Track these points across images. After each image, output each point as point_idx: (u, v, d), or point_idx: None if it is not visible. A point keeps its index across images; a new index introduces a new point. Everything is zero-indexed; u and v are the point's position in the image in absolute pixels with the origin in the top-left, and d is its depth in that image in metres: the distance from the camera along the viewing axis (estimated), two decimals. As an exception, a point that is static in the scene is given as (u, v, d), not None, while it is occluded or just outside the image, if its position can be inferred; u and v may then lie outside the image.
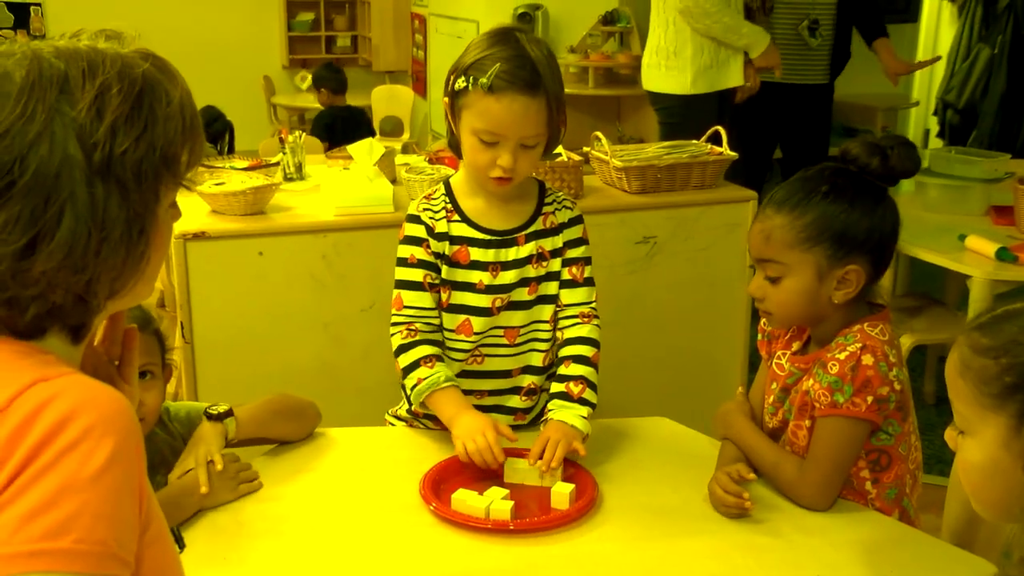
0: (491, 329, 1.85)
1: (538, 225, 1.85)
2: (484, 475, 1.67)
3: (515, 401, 1.90)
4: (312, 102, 6.73)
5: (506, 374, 1.89)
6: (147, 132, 0.92)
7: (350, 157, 2.97)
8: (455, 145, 1.81)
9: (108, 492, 0.84)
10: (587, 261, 1.88)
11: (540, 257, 1.85)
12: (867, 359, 1.54)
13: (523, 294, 1.84)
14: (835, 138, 4.30)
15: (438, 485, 1.64)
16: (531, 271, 1.84)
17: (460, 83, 1.72)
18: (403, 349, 1.80)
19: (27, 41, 0.94)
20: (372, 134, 6.00)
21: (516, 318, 1.85)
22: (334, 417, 1.92)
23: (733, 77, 3.66)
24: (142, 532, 0.89)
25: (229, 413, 1.69)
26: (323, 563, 1.48)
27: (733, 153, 2.93)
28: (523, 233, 1.84)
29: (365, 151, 2.80)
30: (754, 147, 3.90)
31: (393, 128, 6.86)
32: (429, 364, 1.78)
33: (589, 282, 1.88)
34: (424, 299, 1.81)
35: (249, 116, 6.97)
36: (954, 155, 3.58)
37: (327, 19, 8.45)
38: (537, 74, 1.69)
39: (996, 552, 1.32)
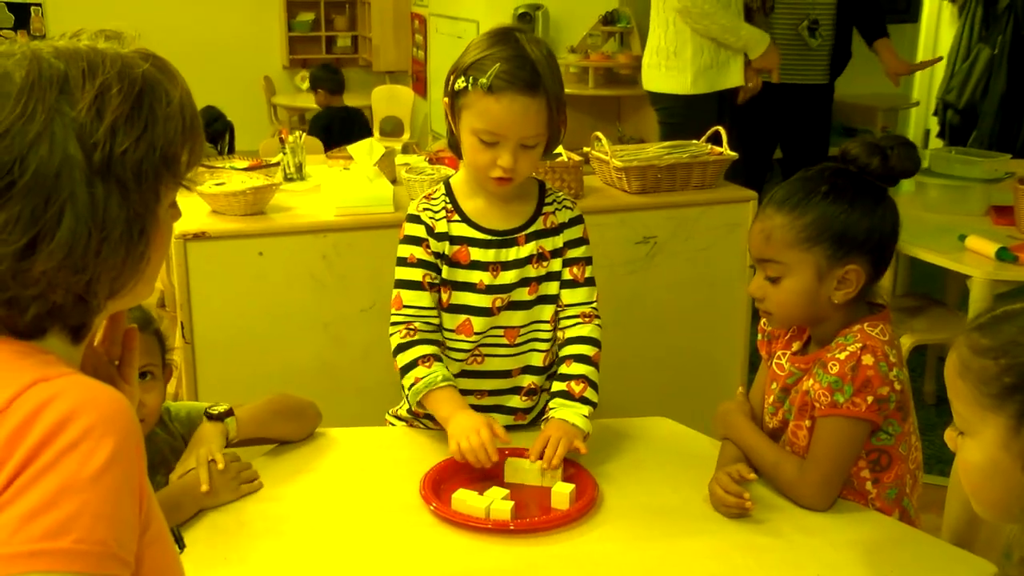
0: (491, 329, 1.85)
1: (538, 225, 1.85)
2: (484, 475, 1.66)
3: (515, 401, 1.90)
4: (312, 102, 6.73)
5: (506, 374, 1.89)
6: (147, 132, 0.93)
7: (350, 157, 2.97)
8: (455, 145, 1.81)
9: (108, 492, 0.84)
10: (588, 261, 1.88)
11: (540, 257, 1.85)
12: (867, 359, 1.54)
13: (523, 294, 1.84)
14: (835, 138, 4.30)
15: (438, 485, 1.64)
16: (531, 271, 1.84)
17: (460, 83, 1.72)
18: (401, 348, 1.81)
19: (27, 41, 0.94)
20: (370, 135, 5.99)
21: (516, 318, 1.85)
22: (334, 417, 1.92)
23: (733, 77, 3.66)
24: (142, 532, 0.89)
25: (229, 413, 1.69)
26: (323, 563, 1.48)
27: (733, 153, 2.93)
28: (523, 233, 1.84)
29: (365, 151, 2.80)
30: (754, 147, 3.90)
31: (393, 128, 6.86)
32: (427, 364, 1.78)
33: (590, 282, 1.88)
34: (423, 298, 1.81)
35: (249, 116, 6.97)
36: (954, 155, 3.58)
37: (327, 19, 8.44)
38: (537, 74, 1.69)
39: (996, 552, 1.32)
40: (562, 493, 1.60)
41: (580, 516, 1.57)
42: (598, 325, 1.87)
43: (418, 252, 1.82)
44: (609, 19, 5.36)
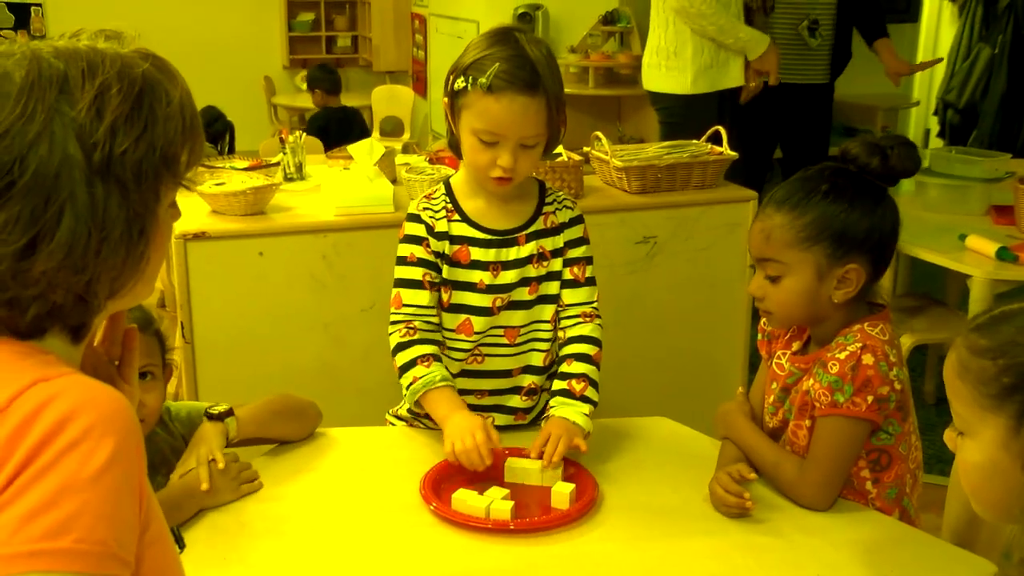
0: (491, 329, 1.85)
1: (539, 225, 1.85)
2: (484, 475, 1.66)
3: (515, 401, 1.90)
4: (312, 102, 6.73)
5: (506, 374, 1.89)
6: (147, 132, 0.93)
7: (350, 157, 2.97)
8: (455, 145, 1.81)
9: (108, 492, 0.84)
10: (588, 261, 1.88)
11: (541, 257, 1.85)
12: (867, 359, 1.54)
13: (524, 294, 1.84)
14: (835, 138, 4.29)
15: (438, 485, 1.64)
16: (532, 271, 1.84)
17: (459, 83, 1.72)
18: (401, 347, 1.80)
19: (27, 41, 0.94)
20: (367, 135, 5.99)
21: (516, 318, 1.85)
22: (334, 417, 1.92)
23: (733, 77, 3.66)
24: (142, 532, 0.89)
25: (230, 413, 1.69)
26: (323, 563, 1.48)
27: (733, 153, 2.93)
28: (524, 233, 1.84)
29: (365, 151, 2.80)
30: (754, 147, 3.89)
31: (393, 128, 6.86)
32: (426, 363, 1.78)
33: (591, 282, 1.88)
34: (423, 297, 1.81)
35: (249, 116, 6.97)
36: (954, 155, 3.58)
37: (327, 19, 8.44)
38: (536, 74, 1.69)
39: (997, 552, 1.32)
40: (562, 493, 1.60)
41: (580, 516, 1.57)
42: (599, 325, 1.87)
43: (418, 251, 1.82)
44: (609, 19, 5.36)
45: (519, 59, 1.69)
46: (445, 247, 1.82)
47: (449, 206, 1.84)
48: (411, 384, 1.77)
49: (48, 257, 0.88)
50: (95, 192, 0.89)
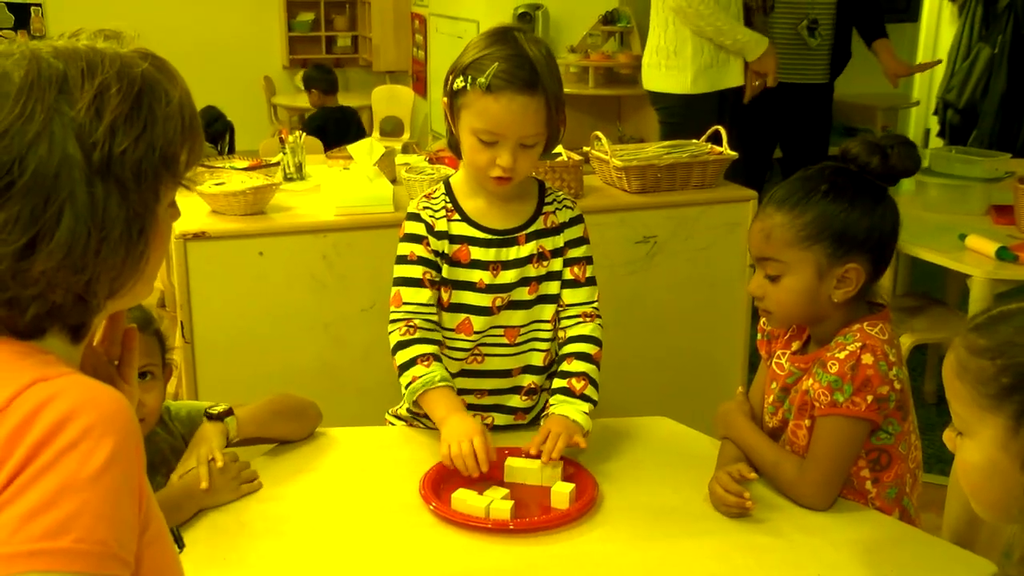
0: (491, 328, 1.85)
1: (539, 224, 1.85)
2: (484, 475, 1.66)
3: (515, 401, 1.90)
4: (312, 103, 6.74)
5: (506, 373, 1.88)
6: (146, 132, 0.93)
7: (350, 157, 2.98)
8: (454, 145, 1.81)
9: (108, 492, 0.84)
10: (588, 261, 1.88)
11: (541, 256, 1.85)
12: (867, 358, 1.54)
13: (523, 293, 1.84)
14: (835, 138, 4.29)
15: (438, 485, 1.64)
16: (532, 271, 1.84)
17: (459, 83, 1.72)
18: (401, 346, 1.80)
19: (26, 41, 0.94)
20: (364, 134, 5.98)
21: (516, 317, 1.85)
22: (334, 417, 1.92)
23: (733, 77, 3.66)
24: (141, 532, 0.89)
25: (229, 412, 1.69)
26: (323, 563, 1.48)
27: (733, 153, 2.93)
28: (524, 232, 1.84)
29: (365, 151, 2.80)
30: (754, 147, 3.89)
31: (393, 128, 6.86)
32: (426, 363, 1.78)
33: (591, 282, 1.88)
34: (423, 295, 1.81)
35: (249, 116, 6.97)
36: (954, 154, 3.58)
37: (327, 19, 8.44)
38: (535, 73, 1.68)
39: (997, 552, 1.32)
40: (562, 493, 1.60)
41: (580, 516, 1.57)
42: (599, 325, 1.87)
43: (418, 249, 1.82)
44: (609, 19, 5.36)
45: (518, 58, 1.69)
46: (445, 246, 1.82)
47: (449, 206, 1.84)
48: (410, 383, 1.77)
49: (48, 257, 0.88)
50: (95, 192, 0.89)
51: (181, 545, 1.41)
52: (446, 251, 1.82)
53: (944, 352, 1.18)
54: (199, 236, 2.52)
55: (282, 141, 3.14)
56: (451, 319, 1.84)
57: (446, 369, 1.81)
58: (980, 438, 1.11)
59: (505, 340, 1.86)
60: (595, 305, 1.88)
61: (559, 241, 1.86)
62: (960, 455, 1.15)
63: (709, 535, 1.54)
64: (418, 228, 1.83)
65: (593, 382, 1.81)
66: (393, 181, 2.90)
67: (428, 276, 1.81)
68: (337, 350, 2.66)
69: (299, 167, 3.08)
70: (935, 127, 6.64)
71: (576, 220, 1.88)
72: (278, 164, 3.07)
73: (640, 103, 4.90)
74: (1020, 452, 1.08)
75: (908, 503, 1.66)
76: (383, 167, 2.86)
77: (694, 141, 3.03)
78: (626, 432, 1.86)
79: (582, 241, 1.88)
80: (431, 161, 3.05)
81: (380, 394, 2.13)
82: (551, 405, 1.79)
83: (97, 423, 0.85)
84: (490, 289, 1.82)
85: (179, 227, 2.46)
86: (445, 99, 1.78)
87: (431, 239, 1.81)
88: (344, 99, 6.62)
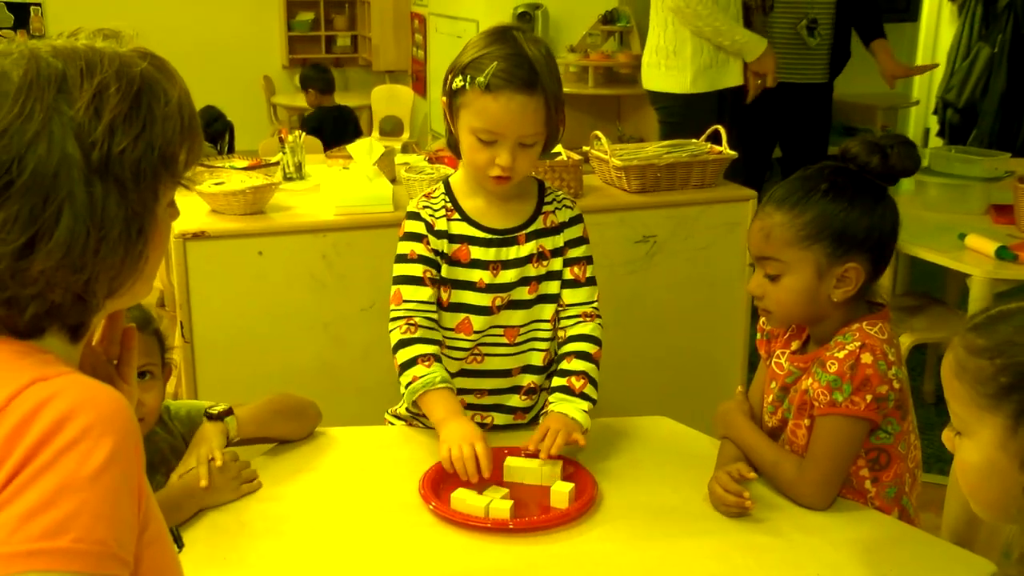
0: (491, 328, 1.85)
1: (538, 224, 1.85)
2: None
3: (515, 400, 1.90)
4: (312, 102, 6.73)
5: (506, 373, 1.88)
6: (145, 131, 0.93)
7: (350, 157, 2.98)
8: (454, 145, 1.81)
9: (107, 492, 0.84)
10: (588, 260, 1.88)
11: (541, 256, 1.85)
12: (866, 358, 1.54)
13: (523, 293, 1.84)
14: (835, 137, 4.29)
15: (438, 484, 1.64)
16: (531, 270, 1.84)
17: (458, 82, 1.72)
18: (402, 344, 1.80)
19: (25, 40, 0.94)
20: (361, 134, 5.97)
21: (516, 317, 1.85)
22: (334, 417, 1.92)
23: (733, 77, 3.66)
24: (141, 532, 0.89)
25: (229, 412, 1.69)
26: (323, 563, 1.48)
27: (733, 152, 2.93)
28: (523, 232, 1.84)
29: (365, 151, 2.80)
30: (754, 146, 3.89)
31: (393, 128, 6.86)
32: (426, 363, 1.78)
33: (591, 281, 1.88)
34: (423, 293, 1.81)
35: (249, 116, 6.97)
36: (954, 154, 3.58)
37: (327, 19, 8.44)
38: (535, 72, 1.68)
39: (996, 551, 1.33)
40: (561, 492, 1.60)
41: (579, 515, 1.57)
42: (599, 324, 1.87)
43: (418, 248, 1.82)
44: (609, 18, 5.36)
45: (517, 58, 1.68)
46: (444, 246, 1.82)
47: (448, 205, 1.84)
48: (410, 383, 1.77)
49: (47, 256, 0.88)
50: (94, 191, 0.89)
51: (181, 545, 1.41)
52: (446, 250, 1.82)
53: (943, 352, 1.18)
54: (198, 236, 2.52)
55: (282, 141, 3.14)
56: (451, 319, 1.84)
57: (446, 370, 1.81)
58: (979, 438, 1.11)
59: (505, 340, 1.86)
60: (595, 305, 1.88)
61: (559, 241, 1.86)
62: (959, 455, 1.15)
63: (709, 535, 1.54)
64: (418, 227, 1.83)
65: (592, 381, 1.81)
66: (393, 181, 2.90)
67: (428, 274, 1.81)
68: (337, 350, 2.66)
69: (299, 167, 3.08)
70: (935, 127, 6.64)
71: (576, 220, 1.88)
72: (278, 164, 3.07)
73: (640, 103, 4.90)
74: (1019, 452, 1.08)
75: (907, 503, 1.66)
76: (383, 167, 2.86)
77: (694, 141, 3.03)
78: (626, 432, 1.86)
79: (582, 241, 1.88)
80: (431, 161, 3.05)
81: (380, 394, 2.13)
82: (550, 403, 1.79)
83: (96, 423, 0.85)
84: (490, 289, 1.82)
85: (178, 226, 2.46)
86: (444, 98, 1.77)
87: (431, 238, 1.81)
88: (344, 99, 6.62)
